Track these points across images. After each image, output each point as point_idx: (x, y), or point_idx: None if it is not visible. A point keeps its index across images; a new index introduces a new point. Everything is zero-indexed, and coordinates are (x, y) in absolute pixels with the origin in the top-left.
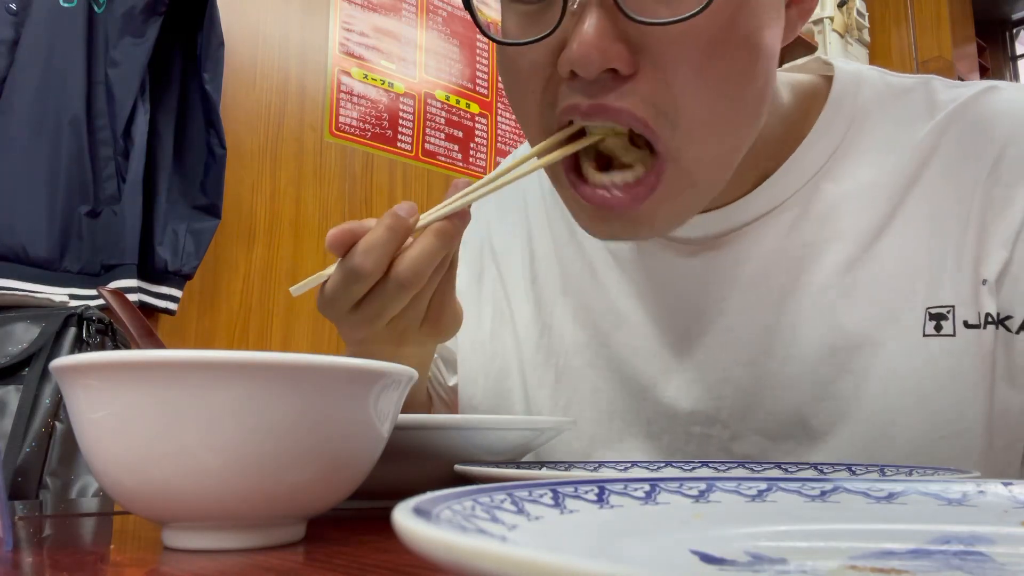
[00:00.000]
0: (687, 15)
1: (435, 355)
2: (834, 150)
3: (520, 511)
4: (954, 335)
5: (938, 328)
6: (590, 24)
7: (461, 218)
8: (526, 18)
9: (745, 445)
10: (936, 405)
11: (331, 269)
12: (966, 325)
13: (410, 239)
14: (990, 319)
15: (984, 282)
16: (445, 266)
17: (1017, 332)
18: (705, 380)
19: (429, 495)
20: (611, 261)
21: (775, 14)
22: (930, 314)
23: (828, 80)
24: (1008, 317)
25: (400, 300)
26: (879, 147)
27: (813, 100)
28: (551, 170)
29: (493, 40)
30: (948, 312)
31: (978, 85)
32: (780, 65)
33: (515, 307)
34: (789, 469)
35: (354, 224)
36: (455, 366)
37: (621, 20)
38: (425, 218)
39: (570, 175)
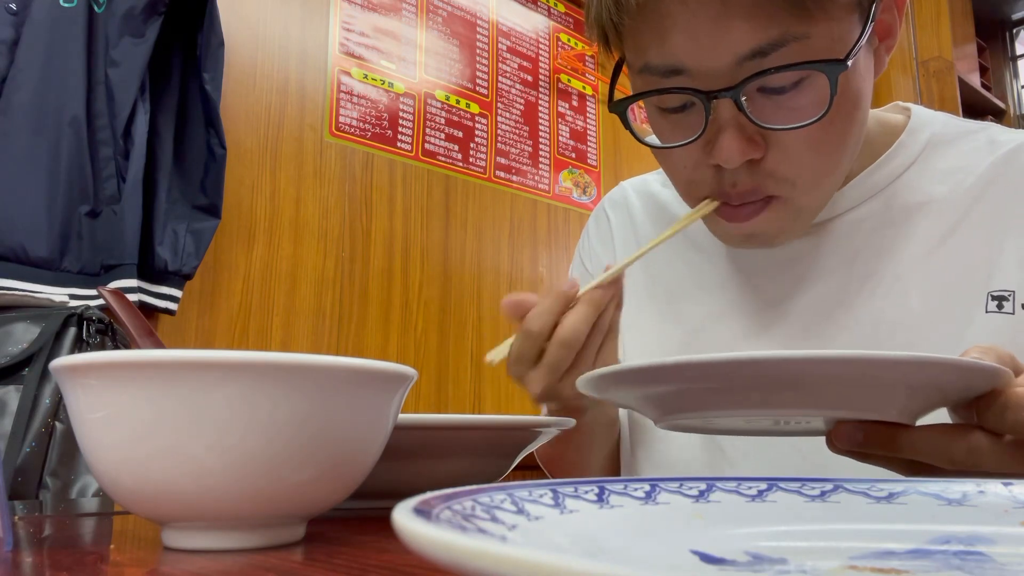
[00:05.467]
0: (807, 122)
1: None
2: (910, 164)
3: (520, 511)
4: (1014, 313)
5: (999, 307)
6: (730, 135)
7: (611, 287)
8: (674, 121)
9: None
10: None
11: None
12: None
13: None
14: None
15: None
16: (603, 329)
17: None
18: None
19: (429, 495)
20: (701, 258)
21: (869, 64)
22: (992, 296)
23: (907, 115)
24: None
25: (566, 358)
26: (950, 170)
27: (894, 126)
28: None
29: (647, 145)
30: (1009, 295)
31: None
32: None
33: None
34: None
35: (525, 295)
36: None
37: (750, 124)
38: (584, 290)
39: (717, 209)
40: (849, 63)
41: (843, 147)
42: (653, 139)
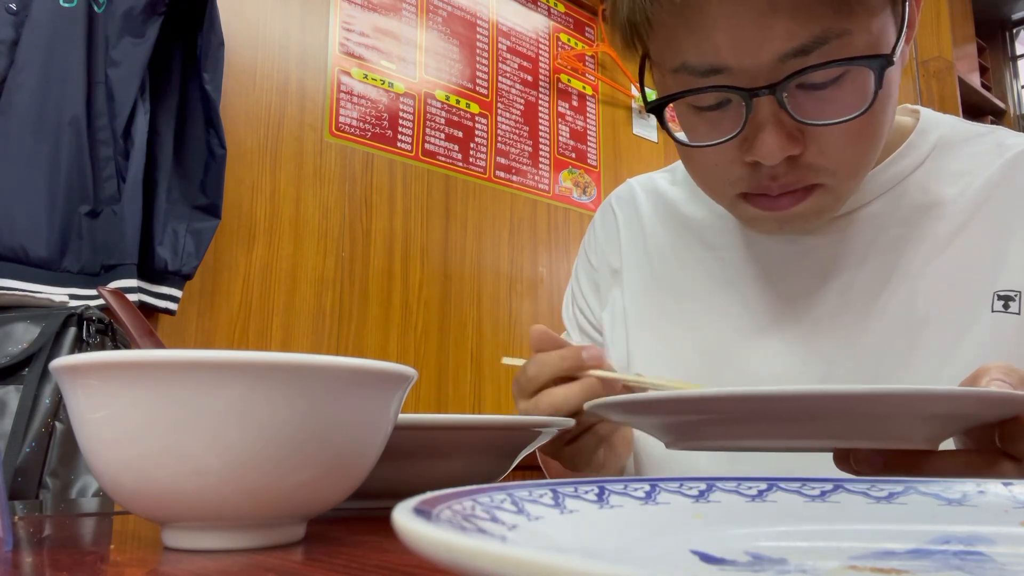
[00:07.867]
0: (850, 117)
1: None
2: (919, 165)
3: (520, 511)
4: (1019, 313)
5: (1006, 307)
6: (770, 132)
7: (610, 387)
8: (709, 119)
9: None
10: None
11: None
12: None
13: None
14: None
15: None
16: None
17: None
18: (794, 351)
19: (429, 495)
20: (710, 255)
21: (898, 62)
22: (998, 296)
23: (915, 117)
24: None
25: (545, 413)
26: (958, 172)
27: (903, 127)
28: (727, 200)
29: (680, 143)
30: (1015, 296)
31: None
32: None
33: (628, 305)
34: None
35: (553, 334)
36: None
37: (790, 120)
38: (598, 372)
39: (751, 199)
40: (895, 58)
41: (879, 136)
42: (682, 136)
